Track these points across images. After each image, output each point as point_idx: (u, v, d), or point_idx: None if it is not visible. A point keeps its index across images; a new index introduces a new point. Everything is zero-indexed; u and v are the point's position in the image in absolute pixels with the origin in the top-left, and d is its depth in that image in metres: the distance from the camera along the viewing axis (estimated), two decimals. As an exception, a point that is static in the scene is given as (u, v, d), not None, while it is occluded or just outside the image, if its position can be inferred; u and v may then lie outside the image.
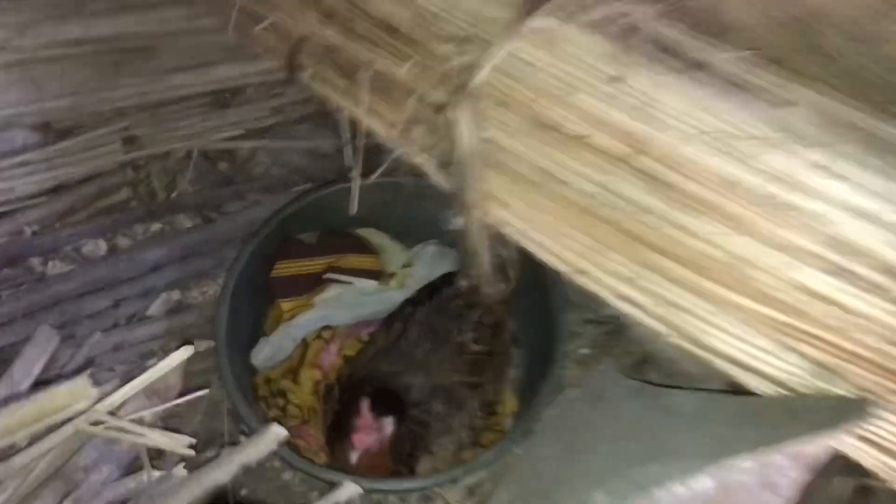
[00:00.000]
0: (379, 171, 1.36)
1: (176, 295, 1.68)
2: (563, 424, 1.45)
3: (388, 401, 1.37)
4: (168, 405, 1.26)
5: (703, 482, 1.17)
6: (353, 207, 1.39)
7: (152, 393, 1.29)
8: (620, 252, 1.20)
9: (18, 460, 1.16)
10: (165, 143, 1.88)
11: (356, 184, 1.40)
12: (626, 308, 1.22)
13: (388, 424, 1.35)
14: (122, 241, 1.79)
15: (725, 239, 1.06)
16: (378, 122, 1.35)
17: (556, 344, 1.50)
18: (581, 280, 1.26)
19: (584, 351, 1.73)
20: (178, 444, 1.22)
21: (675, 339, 1.17)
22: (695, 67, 1.08)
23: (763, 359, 1.09)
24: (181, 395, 1.33)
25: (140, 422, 1.22)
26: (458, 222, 1.29)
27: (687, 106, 1.05)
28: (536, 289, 1.56)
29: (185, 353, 1.18)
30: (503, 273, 1.38)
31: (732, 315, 1.09)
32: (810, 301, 1.02)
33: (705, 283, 1.10)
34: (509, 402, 1.58)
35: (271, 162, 2.03)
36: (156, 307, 1.65)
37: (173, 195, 1.91)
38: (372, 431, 1.32)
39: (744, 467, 1.11)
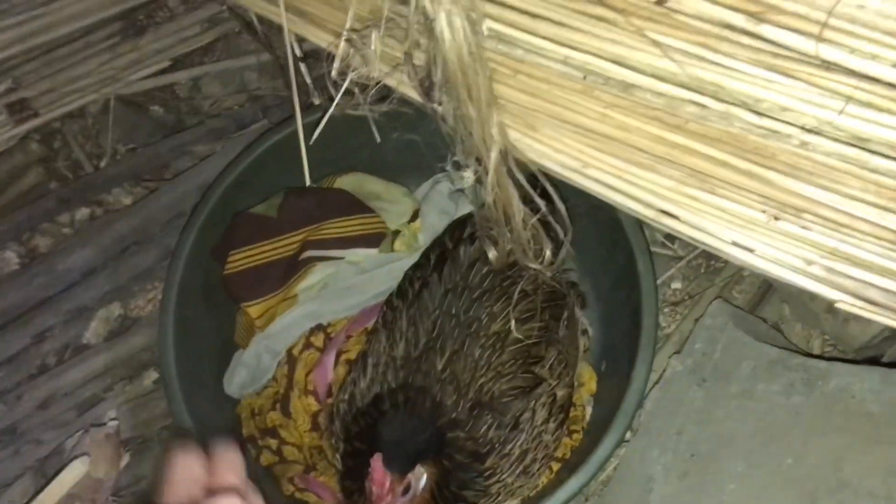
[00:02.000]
0: (332, 105, 0.86)
1: (117, 309, 1.25)
2: (673, 421, 1.00)
3: (413, 438, 0.93)
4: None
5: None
6: (306, 174, 0.90)
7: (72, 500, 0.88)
8: (737, 187, 0.72)
9: None
10: (69, 98, 1.39)
11: (301, 132, 0.90)
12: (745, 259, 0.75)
13: (419, 477, 0.92)
14: (44, 242, 1.35)
15: None
16: (312, 27, 0.84)
17: (642, 295, 1.04)
18: (671, 225, 0.79)
19: (676, 286, 1.26)
20: None
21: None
22: None
23: None
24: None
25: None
26: (467, 176, 0.80)
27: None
28: (600, 221, 1.08)
29: (78, 470, 0.76)
30: (547, 231, 0.90)
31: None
32: None
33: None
34: (587, 381, 1.14)
35: (222, 91, 1.53)
36: (93, 332, 1.22)
37: (102, 165, 1.44)
38: (396, 496, 0.89)
39: None
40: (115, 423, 1.06)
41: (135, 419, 1.12)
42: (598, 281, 1.18)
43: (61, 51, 1.41)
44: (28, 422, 1.12)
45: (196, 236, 1.12)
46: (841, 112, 0.62)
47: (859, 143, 0.65)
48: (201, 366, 1.11)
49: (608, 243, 1.12)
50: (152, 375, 1.18)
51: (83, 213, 1.38)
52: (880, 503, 0.76)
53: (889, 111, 0.63)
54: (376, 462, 0.88)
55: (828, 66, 0.62)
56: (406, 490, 0.90)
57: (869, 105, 0.63)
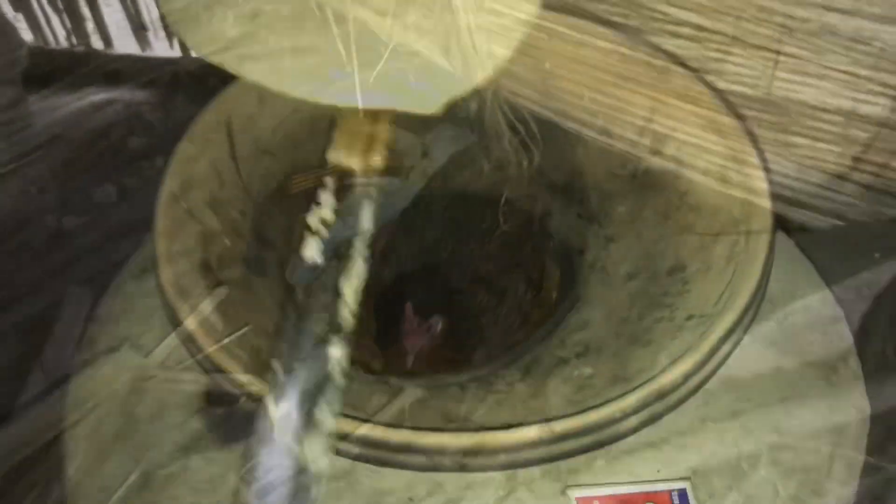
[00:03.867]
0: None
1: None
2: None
3: (431, 298, 1.34)
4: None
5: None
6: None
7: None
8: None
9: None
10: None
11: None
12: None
13: (436, 323, 1.32)
14: (131, 183, 1.73)
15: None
16: None
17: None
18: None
19: (621, 209, 1.66)
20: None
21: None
22: None
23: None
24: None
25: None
26: (471, 106, 1.20)
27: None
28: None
29: (218, 296, 1.15)
30: (525, 147, 1.30)
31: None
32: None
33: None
34: (553, 275, 1.54)
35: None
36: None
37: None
38: (421, 333, 1.30)
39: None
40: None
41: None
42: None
43: None
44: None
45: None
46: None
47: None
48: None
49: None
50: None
51: (160, 161, 1.76)
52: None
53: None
54: (408, 308, 1.29)
55: None
56: (429, 329, 1.31)
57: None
